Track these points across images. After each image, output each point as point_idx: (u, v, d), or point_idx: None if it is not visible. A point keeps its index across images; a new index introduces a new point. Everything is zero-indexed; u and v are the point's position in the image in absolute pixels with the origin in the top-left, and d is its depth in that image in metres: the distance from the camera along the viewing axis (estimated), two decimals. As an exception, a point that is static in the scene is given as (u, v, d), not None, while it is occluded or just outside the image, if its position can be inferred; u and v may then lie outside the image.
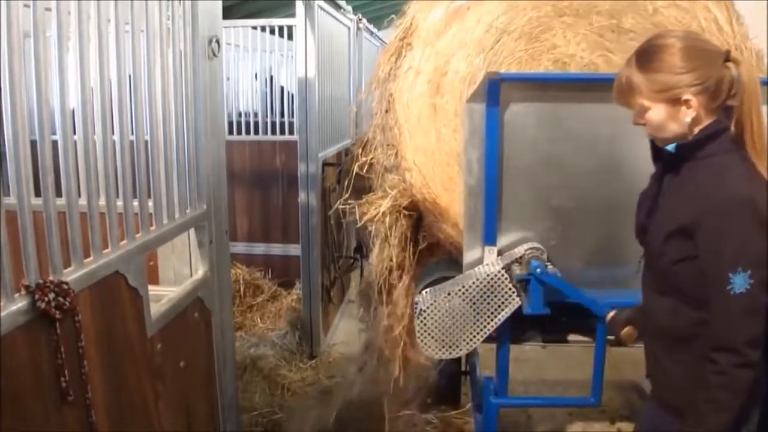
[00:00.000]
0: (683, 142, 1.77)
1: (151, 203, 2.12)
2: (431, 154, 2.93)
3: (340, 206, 3.46)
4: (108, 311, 1.81)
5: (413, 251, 3.16)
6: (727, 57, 1.72)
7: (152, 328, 2.07)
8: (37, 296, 1.49)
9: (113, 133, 1.86)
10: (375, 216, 3.10)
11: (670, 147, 1.79)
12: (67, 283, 1.58)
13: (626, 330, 2.26)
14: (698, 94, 1.71)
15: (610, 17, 2.77)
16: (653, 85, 1.74)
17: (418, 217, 3.17)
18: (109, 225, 1.84)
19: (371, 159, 3.43)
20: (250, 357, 4.45)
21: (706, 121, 1.75)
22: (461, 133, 2.68)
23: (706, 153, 1.74)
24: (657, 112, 1.76)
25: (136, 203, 2.02)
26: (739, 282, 1.64)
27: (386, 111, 3.18)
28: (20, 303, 1.46)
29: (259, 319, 5.42)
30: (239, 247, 5.94)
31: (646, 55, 1.76)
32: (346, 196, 3.47)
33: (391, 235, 3.08)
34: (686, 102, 1.72)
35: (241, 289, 5.66)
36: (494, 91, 2.42)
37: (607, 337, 2.57)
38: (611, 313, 2.27)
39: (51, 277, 1.57)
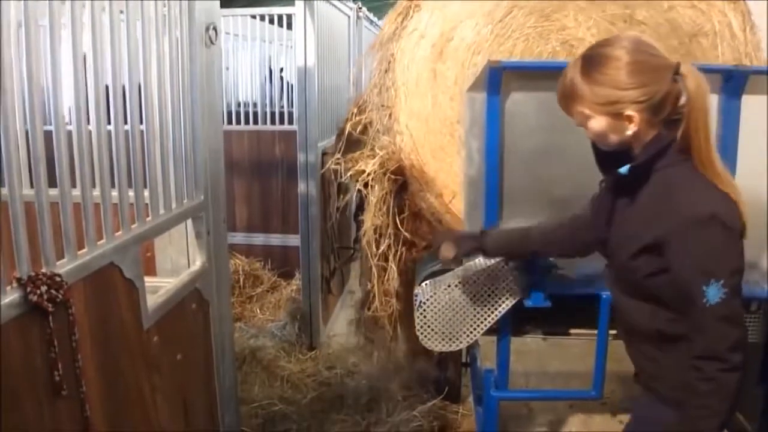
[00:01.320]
0: (635, 165, 1.72)
1: (146, 193, 2.08)
2: (425, 120, 2.90)
3: (332, 166, 3.42)
4: (103, 303, 1.78)
5: (395, 218, 3.12)
6: (676, 70, 1.67)
7: (149, 320, 2.04)
8: (28, 289, 1.46)
9: (108, 122, 1.82)
10: (360, 175, 3.06)
11: (623, 170, 1.74)
12: (60, 275, 1.55)
13: (448, 245, 2.28)
14: (642, 111, 1.67)
15: (624, 7, 2.73)
16: (596, 97, 1.69)
17: (402, 184, 3.13)
18: (104, 215, 1.80)
19: (366, 119, 3.39)
20: (249, 348, 4.43)
21: (648, 135, 1.71)
22: (459, 102, 2.64)
23: (656, 168, 1.72)
24: (598, 123, 1.73)
25: (131, 193, 1.99)
26: (713, 293, 1.62)
27: (385, 71, 3.14)
28: (12, 296, 1.42)
29: (258, 310, 5.41)
30: (238, 237, 5.94)
31: (592, 65, 1.70)
32: (338, 156, 3.44)
33: (373, 197, 3.05)
34: (628, 117, 1.68)
35: (241, 280, 5.65)
36: (495, 79, 2.38)
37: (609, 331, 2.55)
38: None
39: (43, 270, 1.54)
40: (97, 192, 1.78)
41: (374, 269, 3.22)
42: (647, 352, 1.89)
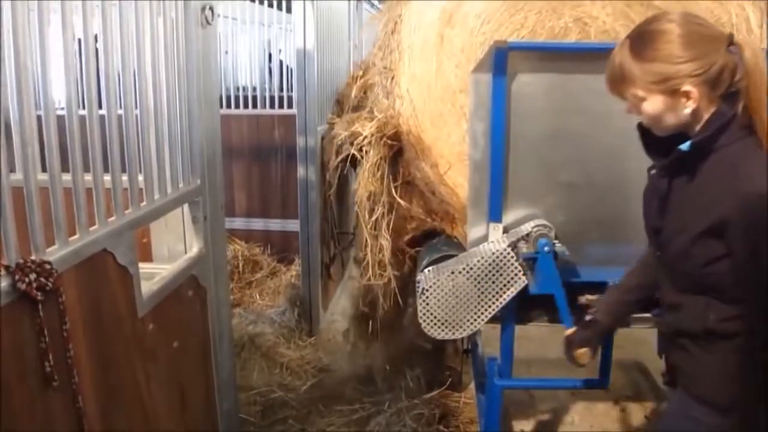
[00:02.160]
0: (698, 140, 1.61)
1: (141, 178, 2.02)
2: (427, 86, 2.81)
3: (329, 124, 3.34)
4: (95, 291, 1.73)
5: (390, 185, 3.04)
6: (730, 41, 1.58)
7: (143, 307, 1.98)
8: (17, 277, 1.40)
9: (100, 105, 1.75)
10: (356, 138, 2.98)
11: (684, 146, 1.63)
12: (49, 263, 1.49)
13: (582, 351, 2.23)
14: (699, 85, 1.57)
15: (641, -10, 2.64)
16: (649, 75, 1.60)
17: (398, 151, 3.05)
18: (96, 201, 1.74)
19: (368, 81, 3.30)
20: (248, 335, 4.39)
21: (708, 111, 1.61)
22: (464, 69, 2.55)
23: (718, 145, 1.61)
24: (653, 104, 1.63)
25: (125, 178, 1.93)
26: None
27: (391, 32, 3.04)
28: (-1, 284, 1.37)
29: (257, 296, 5.38)
30: (238, 223, 5.94)
31: (642, 42, 1.61)
32: (337, 119, 3.36)
33: (366, 161, 2.97)
34: (686, 93, 1.58)
35: (240, 265, 5.62)
36: (501, 60, 2.30)
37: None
38: (568, 331, 2.25)
39: (33, 257, 1.48)
40: (89, 177, 1.72)
41: (368, 238, 3.14)
42: (690, 352, 1.78)
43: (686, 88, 1.57)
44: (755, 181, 1.54)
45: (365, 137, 2.94)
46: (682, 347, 1.82)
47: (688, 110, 1.61)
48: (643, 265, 2.11)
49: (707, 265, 1.65)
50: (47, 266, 1.48)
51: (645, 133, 1.76)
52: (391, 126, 2.93)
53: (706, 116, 1.62)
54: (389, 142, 2.93)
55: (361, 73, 3.47)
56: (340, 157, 3.38)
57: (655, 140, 1.74)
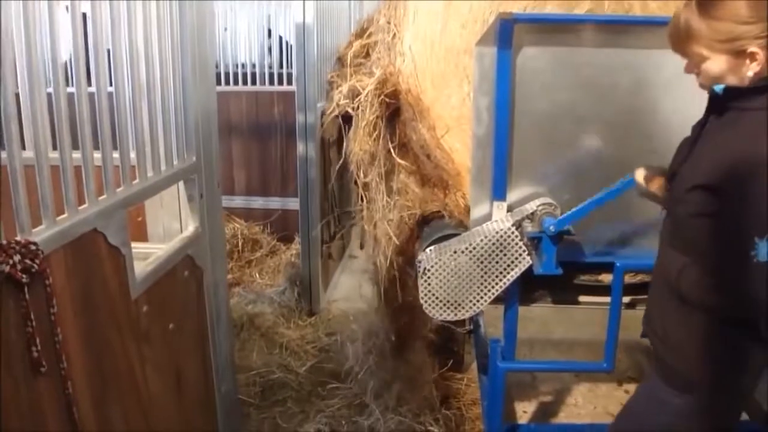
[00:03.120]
0: (732, 87, 1.59)
1: (133, 155, 1.95)
2: (430, 44, 2.71)
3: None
4: (85, 272, 1.66)
5: (386, 145, 2.95)
6: None
7: (137, 289, 1.92)
8: (0, 259, 1.34)
9: (89, 80, 1.68)
10: (356, 96, 2.89)
11: (718, 88, 1.62)
12: (35, 244, 1.42)
13: (659, 182, 2.04)
14: (766, 47, 1.53)
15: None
16: (716, 34, 1.56)
17: (394, 111, 2.95)
18: (86, 178, 1.67)
19: (371, 38, 3.19)
20: (248, 314, 4.34)
21: None
22: (470, 31, 2.46)
23: (753, 105, 1.57)
24: (716, 63, 1.59)
25: (116, 155, 1.86)
26: (763, 251, 1.48)
27: None
28: (-19, 266, 1.31)
29: (257, 275, 5.32)
30: (237, 201, 5.89)
31: (710, 0, 1.57)
32: (336, 77, 3.25)
33: (363, 120, 2.87)
34: (751, 55, 1.54)
35: (240, 244, 5.57)
36: (506, 33, 2.22)
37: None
38: (640, 171, 2.07)
39: (17, 237, 1.42)
40: (78, 154, 1.65)
41: (363, 197, 3.06)
42: (668, 313, 1.80)
43: (753, 49, 1.54)
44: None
45: (364, 93, 2.83)
46: (661, 304, 1.83)
47: (750, 72, 1.57)
48: None
49: (693, 217, 1.64)
50: (33, 247, 1.42)
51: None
52: (391, 84, 2.83)
53: None
54: (387, 100, 2.83)
55: (364, 27, 3.33)
56: (335, 113, 3.27)
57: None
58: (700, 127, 1.73)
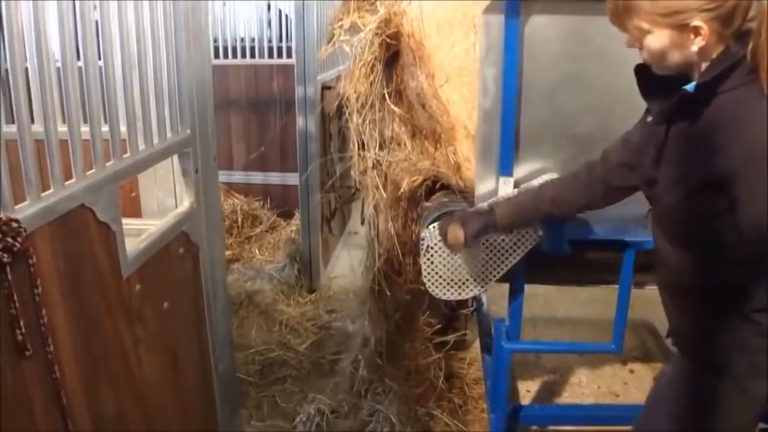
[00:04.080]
0: (705, 81, 1.47)
1: (124, 128, 1.86)
2: None
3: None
4: (73, 251, 1.58)
5: (381, 90, 2.83)
6: None
7: (129, 267, 1.84)
8: (-22, 237, 1.26)
9: (77, 50, 1.59)
10: (356, 35, 2.78)
11: (690, 87, 1.50)
12: (17, 221, 1.34)
13: (456, 231, 2.10)
14: (710, 21, 1.43)
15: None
16: (657, 8, 1.46)
17: (394, 54, 2.83)
18: (72, 152, 1.59)
19: None
20: (246, 292, 4.29)
21: (716, 50, 1.47)
22: None
23: (724, 88, 1.46)
24: (659, 38, 1.49)
25: (106, 128, 1.77)
26: None
27: None
28: (-42, 245, 1.23)
29: (257, 251, 5.27)
30: (237, 176, 5.85)
31: None
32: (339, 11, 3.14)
33: (360, 60, 2.76)
34: (695, 29, 1.45)
35: (239, 220, 5.51)
36: (514, 1, 2.12)
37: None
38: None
39: (-1, 214, 1.34)
40: (64, 128, 1.56)
41: (355, 141, 2.96)
42: (689, 311, 1.69)
43: (696, 23, 1.44)
44: (762, 132, 1.39)
45: (366, 31, 2.70)
46: (682, 306, 1.71)
47: (695, 47, 1.47)
48: (572, 181, 2.01)
49: (705, 221, 1.53)
50: (14, 224, 1.33)
51: (643, 75, 1.63)
52: (394, 24, 2.70)
53: (713, 55, 1.49)
54: (388, 41, 2.71)
55: None
56: (330, 48, 3.15)
57: (654, 83, 1.61)
58: (663, 127, 1.62)
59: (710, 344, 1.66)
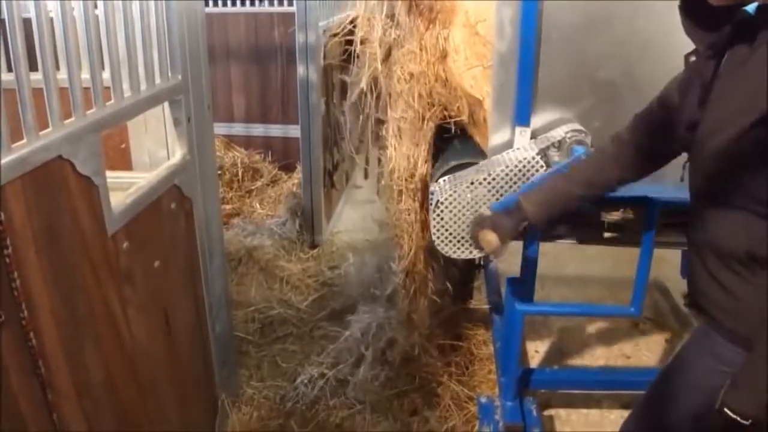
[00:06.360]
0: (763, 3, 1.31)
1: (107, 74, 1.70)
2: None
3: None
4: (50, 206, 1.44)
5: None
6: None
7: (114, 223, 1.70)
8: (-63, 191, 1.12)
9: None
10: None
11: (750, 7, 1.34)
12: (-18, 173, 1.20)
13: (489, 235, 2.01)
14: None
15: None
16: None
17: None
18: (48, 99, 1.43)
19: None
20: (246, 248, 4.15)
21: None
22: None
23: None
24: None
25: (86, 76, 1.61)
26: None
27: None
28: None
29: (258, 205, 5.12)
30: (237, 128, 5.70)
31: None
32: None
33: None
34: None
35: (239, 173, 5.36)
36: (534, -67, 1.95)
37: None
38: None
39: (-39, 165, 1.19)
40: (38, 76, 1.41)
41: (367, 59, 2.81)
42: (725, 281, 1.53)
43: None
44: None
45: None
46: (715, 272, 1.55)
47: None
48: (601, 159, 1.89)
49: (755, 168, 1.37)
50: (-22, 177, 1.19)
51: (689, 11, 1.49)
52: None
53: None
54: None
55: None
56: None
57: (702, 18, 1.45)
58: (713, 62, 1.47)
59: (743, 315, 1.52)
